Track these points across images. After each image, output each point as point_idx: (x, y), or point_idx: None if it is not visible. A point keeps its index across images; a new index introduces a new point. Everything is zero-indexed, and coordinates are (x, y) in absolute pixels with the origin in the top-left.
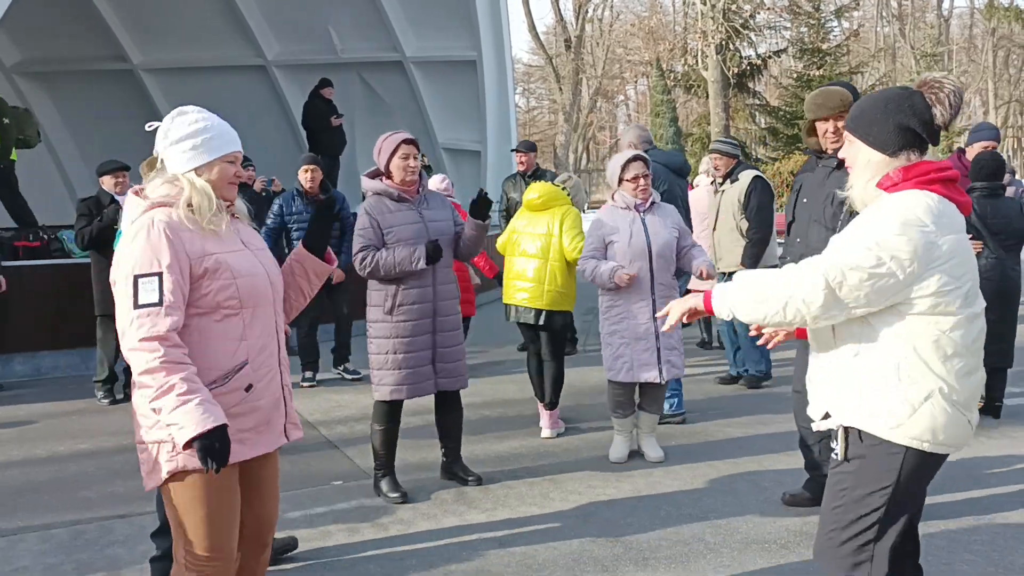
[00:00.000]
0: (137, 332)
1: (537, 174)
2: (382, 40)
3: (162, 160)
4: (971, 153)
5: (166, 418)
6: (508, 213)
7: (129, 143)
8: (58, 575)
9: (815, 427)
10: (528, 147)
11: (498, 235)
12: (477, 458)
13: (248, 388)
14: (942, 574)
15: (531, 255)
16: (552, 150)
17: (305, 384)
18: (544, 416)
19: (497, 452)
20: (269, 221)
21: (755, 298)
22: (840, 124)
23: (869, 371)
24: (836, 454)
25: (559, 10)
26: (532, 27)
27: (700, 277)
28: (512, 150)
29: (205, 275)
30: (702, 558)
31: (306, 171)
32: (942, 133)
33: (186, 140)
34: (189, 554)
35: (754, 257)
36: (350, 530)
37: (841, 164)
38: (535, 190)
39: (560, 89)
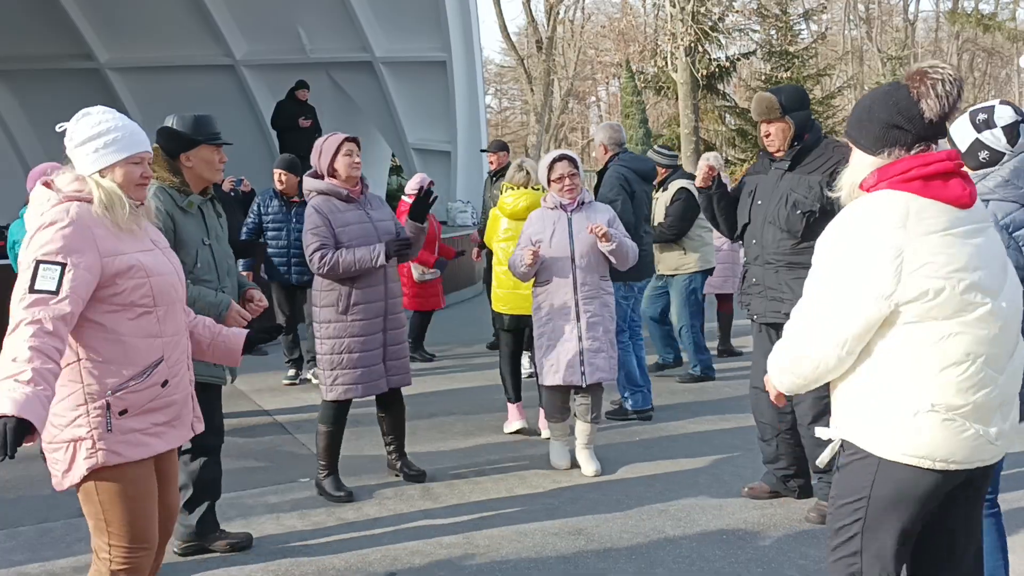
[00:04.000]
0: (23, 313)
1: (503, 172)
2: (351, 40)
3: (71, 161)
4: None
5: None
6: (486, 213)
7: None
8: (24, 573)
9: (819, 433)
10: (499, 147)
11: (463, 236)
12: (443, 453)
13: (164, 384)
14: None
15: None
16: (524, 151)
17: (286, 382)
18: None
19: (464, 449)
20: (249, 220)
21: (783, 368)
22: (772, 128)
23: (861, 384)
24: (819, 462)
25: (530, 11)
26: (504, 28)
27: (592, 232)
28: (482, 150)
29: (118, 274)
30: (662, 549)
31: (277, 174)
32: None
33: (89, 142)
34: (116, 548)
35: (660, 237)
36: (315, 525)
37: (793, 166)
38: (520, 198)
39: (532, 90)
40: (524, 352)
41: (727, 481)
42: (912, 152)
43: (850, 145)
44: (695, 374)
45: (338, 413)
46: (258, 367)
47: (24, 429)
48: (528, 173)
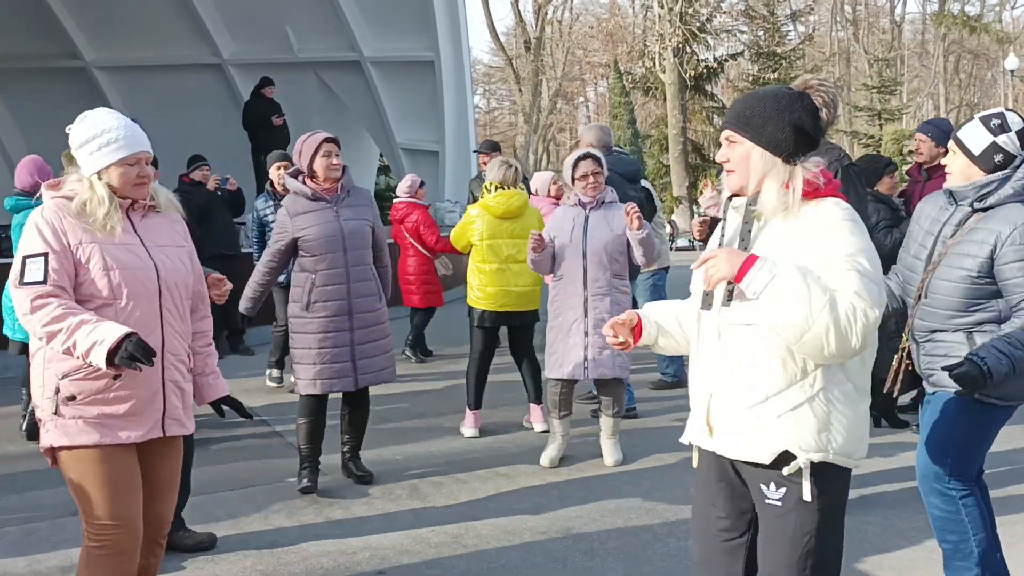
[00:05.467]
0: (25, 302)
1: None
2: (339, 40)
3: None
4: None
5: (83, 346)
6: None
7: None
8: (10, 571)
9: (786, 471)
10: (490, 147)
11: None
12: (431, 454)
13: (116, 376)
14: (878, 558)
15: (523, 260)
16: (512, 151)
17: (272, 384)
18: (536, 411)
19: (452, 449)
20: (253, 231)
21: (796, 293)
22: None
23: (835, 398)
24: (777, 500)
25: (519, 11)
26: (492, 28)
27: (627, 213)
28: (475, 151)
29: (79, 263)
30: (649, 548)
31: (278, 168)
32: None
33: (86, 144)
34: (90, 524)
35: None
36: (304, 526)
37: None
38: (513, 198)
39: (520, 90)
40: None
41: None
42: (810, 159)
43: (740, 141)
44: (667, 380)
45: (312, 407)
46: (245, 367)
47: (136, 339)
48: (516, 170)
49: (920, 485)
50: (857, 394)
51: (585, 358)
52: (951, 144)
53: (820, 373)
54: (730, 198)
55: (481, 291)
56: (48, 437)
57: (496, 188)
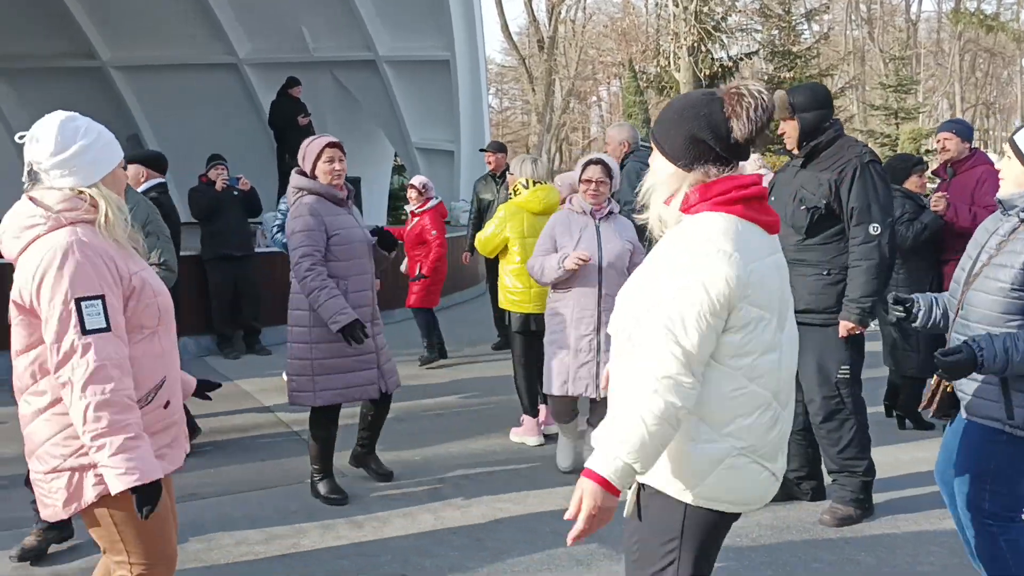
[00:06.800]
0: (89, 361)
1: (504, 175)
2: (355, 39)
3: (43, 174)
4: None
5: (107, 457)
6: (480, 214)
7: None
8: (31, 573)
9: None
10: (497, 148)
11: (465, 236)
12: (453, 456)
13: (167, 405)
14: (908, 565)
15: None
16: (525, 150)
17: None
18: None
19: (472, 450)
20: (278, 223)
21: (629, 436)
22: (787, 127)
23: None
24: (625, 514)
25: (532, 11)
26: (505, 27)
27: None
28: (481, 150)
29: (132, 295)
30: None
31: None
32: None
33: (86, 151)
34: (136, 566)
35: None
36: (324, 527)
37: (806, 163)
38: (553, 192)
39: (533, 90)
40: None
41: None
42: (720, 170)
43: (653, 148)
44: None
45: (329, 418)
46: (262, 367)
47: (158, 487)
48: (544, 164)
49: (961, 515)
50: (706, 427)
51: (596, 375)
52: (1005, 147)
53: None
54: None
55: (523, 294)
56: (105, 485)
57: (533, 184)
